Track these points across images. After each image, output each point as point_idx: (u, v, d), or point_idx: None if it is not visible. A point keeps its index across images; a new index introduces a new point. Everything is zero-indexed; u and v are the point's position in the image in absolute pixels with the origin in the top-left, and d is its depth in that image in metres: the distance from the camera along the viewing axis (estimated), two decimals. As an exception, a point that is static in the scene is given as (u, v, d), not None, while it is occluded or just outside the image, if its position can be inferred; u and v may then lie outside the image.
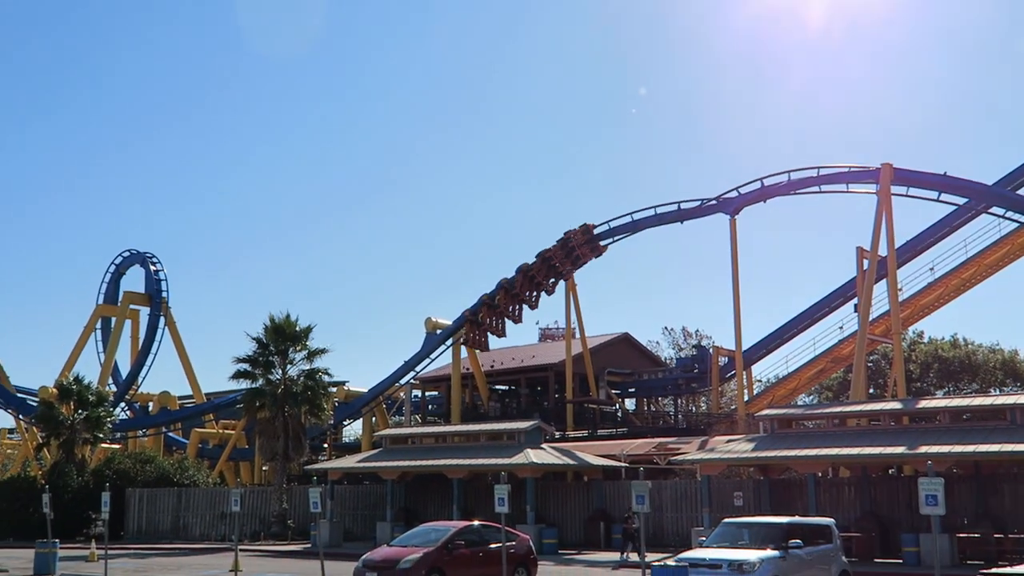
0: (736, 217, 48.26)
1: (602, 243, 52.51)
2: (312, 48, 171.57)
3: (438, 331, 56.44)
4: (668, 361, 66.58)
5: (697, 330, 74.98)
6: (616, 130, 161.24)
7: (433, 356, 56.51)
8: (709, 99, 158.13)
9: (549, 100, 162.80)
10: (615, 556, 31.16)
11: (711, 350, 54.14)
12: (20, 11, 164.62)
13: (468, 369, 58.06)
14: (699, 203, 50.28)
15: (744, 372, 49.90)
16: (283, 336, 42.50)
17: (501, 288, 53.36)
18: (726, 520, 21.13)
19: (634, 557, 28.30)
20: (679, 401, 60.69)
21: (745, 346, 49.51)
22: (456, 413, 56.25)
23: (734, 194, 48.77)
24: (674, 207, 51.20)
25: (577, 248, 52.28)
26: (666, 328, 76.58)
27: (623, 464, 38.53)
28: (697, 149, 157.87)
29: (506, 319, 54.17)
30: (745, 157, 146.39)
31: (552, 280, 53.49)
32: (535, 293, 53.67)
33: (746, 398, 49.51)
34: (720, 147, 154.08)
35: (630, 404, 62.37)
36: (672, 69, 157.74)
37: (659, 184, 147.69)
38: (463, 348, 56.93)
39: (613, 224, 52.85)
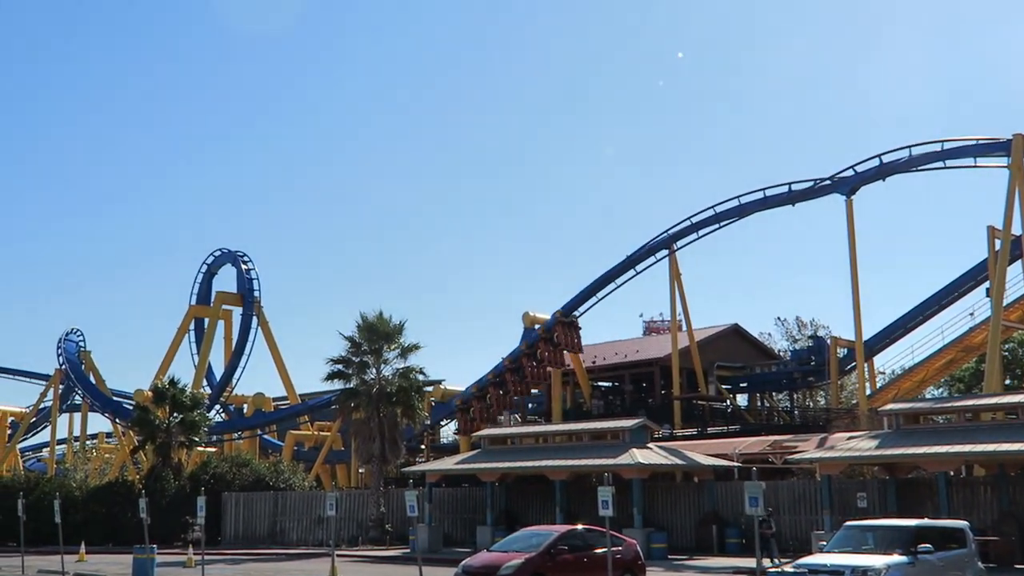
0: (852, 198, 47.14)
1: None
2: (418, 47, 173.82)
3: (536, 326, 56.52)
4: (782, 353, 65.43)
5: (813, 320, 73.44)
6: (717, 109, 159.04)
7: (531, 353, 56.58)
8: (818, 71, 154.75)
9: (646, 82, 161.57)
10: (729, 561, 30.74)
11: (829, 341, 53.02)
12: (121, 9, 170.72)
13: (568, 365, 58.02)
14: (812, 184, 49.21)
15: (865, 364, 48.74)
16: (376, 334, 43.03)
17: (489, 385, 55.11)
18: (848, 523, 20.59)
19: (771, 564, 27.55)
20: (795, 396, 59.58)
21: (866, 336, 48.35)
22: (557, 411, 56.26)
23: (850, 173, 47.59)
24: (784, 189, 50.24)
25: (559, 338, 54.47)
26: (779, 318, 75.17)
27: (735, 464, 38.00)
28: (807, 126, 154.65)
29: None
30: (861, 133, 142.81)
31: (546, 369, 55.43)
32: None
33: (868, 392, 48.34)
34: (833, 124, 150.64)
35: (742, 400, 61.51)
36: (775, 41, 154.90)
37: (767, 165, 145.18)
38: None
39: (719, 209, 52.16)
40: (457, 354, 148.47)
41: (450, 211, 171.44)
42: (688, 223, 53.54)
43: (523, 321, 57.34)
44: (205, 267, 75.10)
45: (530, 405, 65.23)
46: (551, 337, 55.17)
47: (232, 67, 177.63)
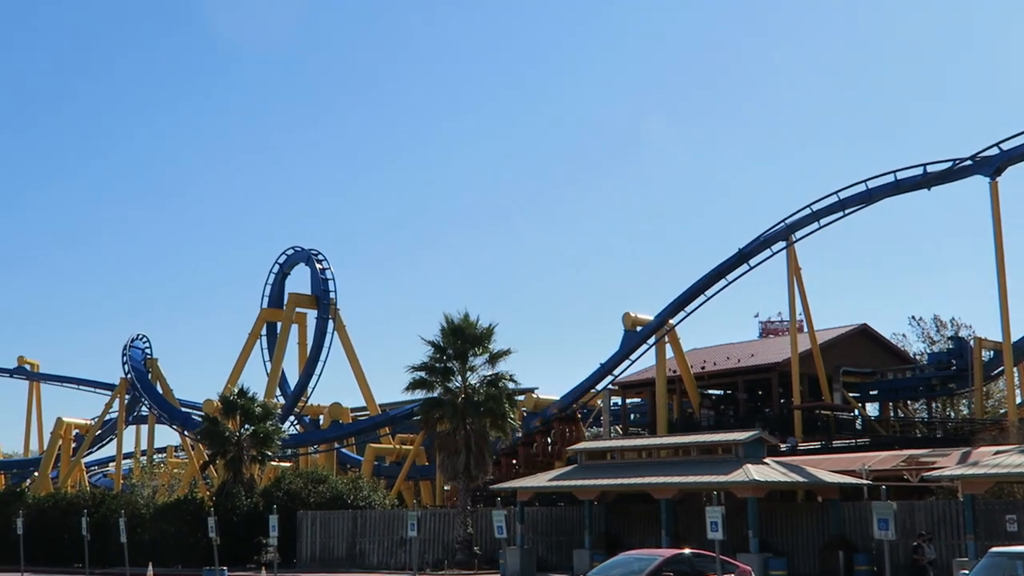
0: (998, 179, 45.88)
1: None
2: (507, 38, 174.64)
3: (638, 328, 56.25)
4: (917, 357, 63.95)
5: (953, 318, 71.53)
6: (839, 84, 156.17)
7: (633, 357, 56.40)
8: (954, 38, 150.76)
9: (758, 58, 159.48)
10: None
11: (972, 342, 51.67)
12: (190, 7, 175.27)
13: (675, 371, 57.62)
14: (950, 164, 48.00)
15: (1015, 368, 47.38)
16: (462, 338, 43.25)
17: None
18: (995, 549, 19.99)
19: None
20: (933, 405, 58.22)
21: (1015, 336, 46.98)
22: (662, 422, 55.90)
23: (994, 151, 46.29)
24: (918, 171, 49.09)
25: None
26: (913, 318, 73.41)
27: (864, 482, 37.25)
28: (944, 100, 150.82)
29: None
30: (1006, 106, 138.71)
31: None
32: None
33: (1019, 400, 46.99)
34: (974, 96, 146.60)
35: (871, 409, 60.34)
36: (904, 3, 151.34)
37: (898, 145, 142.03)
38: (669, 346, 56.56)
39: (844, 195, 51.25)
40: (551, 360, 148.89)
41: (541, 206, 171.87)
42: (808, 211, 52.66)
43: (623, 323, 57.12)
44: (277, 267, 76.50)
45: (632, 416, 64.94)
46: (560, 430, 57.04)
47: (304, 53, 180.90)
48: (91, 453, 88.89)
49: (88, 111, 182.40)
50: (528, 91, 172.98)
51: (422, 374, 43.66)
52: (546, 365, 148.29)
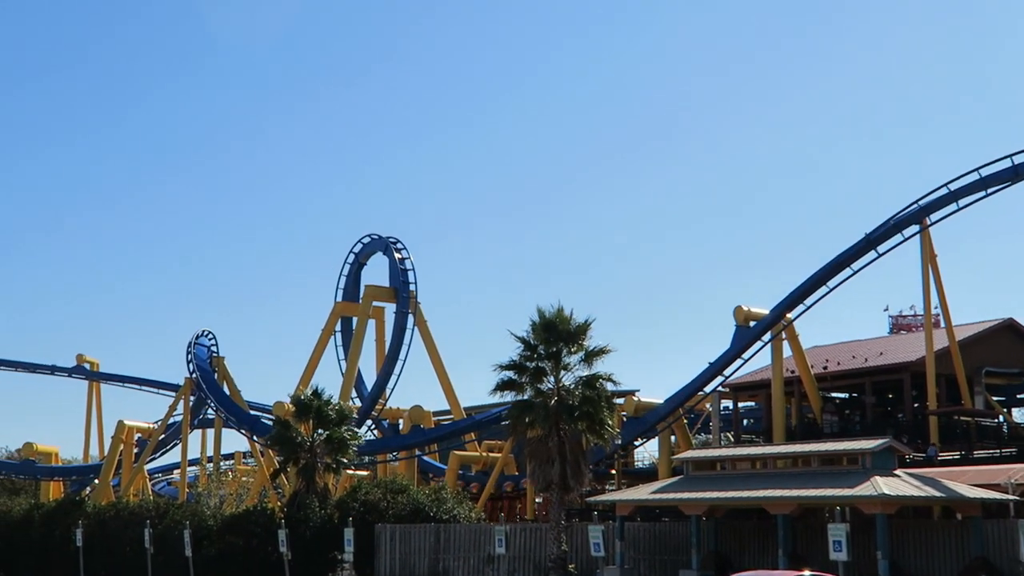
0: None
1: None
2: (609, 22, 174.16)
3: (752, 323, 55.65)
4: (1073, 356, 62.26)
5: (1114, 312, 69.53)
6: (979, 46, 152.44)
7: (746, 356, 55.82)
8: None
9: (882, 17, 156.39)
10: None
11: None
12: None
13: (794, 372, 56.92)
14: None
15: None
16: (555, 334, 43.09)
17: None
18: None
19: None
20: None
21: None
22: (779, 429, 55.26)
23: None
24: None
25: None
26: (1068, 311, 71.54)
27: (1011, 497, 36.38)
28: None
29: None
30: None
31: None
32: None
33: None
34: None
35: (1018, 415, 58.99)
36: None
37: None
38: (786, 344, 55.85)
39: (985, 172, 50.07)
40: (653, 359, 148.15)
41: (639, 189, 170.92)
42: (945, 191, 51.50)
43: (735, 317, 56.55)
44: (352, 257, 77.21)
45: (745, 421, 64.34)
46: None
47: (367, 33, 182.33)
48: (154, 459, 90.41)
49: (160, 102, 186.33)
50: (619, 67, 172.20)
51: (510, 374, 43.63)
52: (648, 365, 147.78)
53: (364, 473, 72.41)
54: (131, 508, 57.26)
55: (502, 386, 43.83)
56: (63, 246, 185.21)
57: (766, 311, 55.55)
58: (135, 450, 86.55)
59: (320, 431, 51.43)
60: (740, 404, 63.98)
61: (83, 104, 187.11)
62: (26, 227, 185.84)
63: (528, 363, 43.56)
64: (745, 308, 56.36)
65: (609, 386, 43.35)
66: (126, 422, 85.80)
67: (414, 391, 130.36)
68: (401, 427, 73.79)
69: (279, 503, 56.55)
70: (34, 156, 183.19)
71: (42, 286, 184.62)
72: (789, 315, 55.25)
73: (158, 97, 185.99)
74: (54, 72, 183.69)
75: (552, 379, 43.40)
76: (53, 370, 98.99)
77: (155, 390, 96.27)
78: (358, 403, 73.23)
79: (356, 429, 57.14)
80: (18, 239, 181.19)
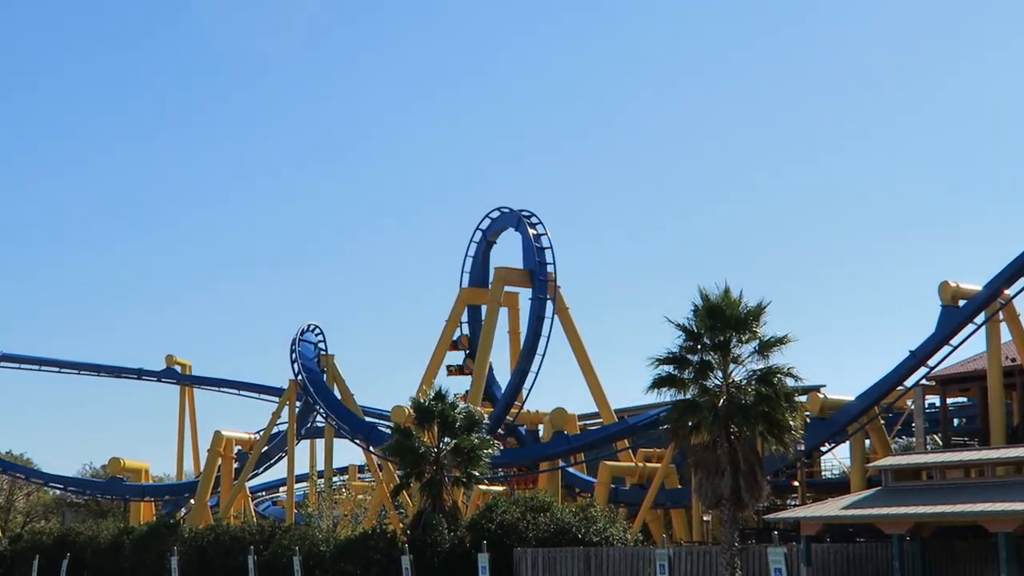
0: None
1: None
2: None
3: (961, 302, 54.54)
4: None
5: None
6: None
7: (955, 342, 54.70)
8: None
9: None
10: None
11: None
12: None
13: (1015, 359, 55.63)
14: None
15: None
16: (722, 321, 42.81)
17: None
18: None
19: None
20: None
21: None
22: (997, 429, 54.04)
23: None
24: None
25: None
26: None
27: None
28: None
29: None
30: None
31: None
32: None
33: None
34: None
35: None
36: None
37: None
38: (1005, 326, 54.60)
39: None
40: (839, 348, 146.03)
41: (815, 148, 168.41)
42: None
43: (940, 296, 55.47)
44: (479, 234, 77.61)
45: (955, 421, 63.06)
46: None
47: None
48: (256, 475, 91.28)
49: (263, 87, 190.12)
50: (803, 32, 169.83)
51: (670, 369, 43.50)
52: (835, 355, 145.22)
53: (499, 489, 72.82)
54: (232, 532, 58.60)
55: (660, 383, 43.72)
56: (146, 237, 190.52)
57: (979, 287, 54.36)
58: (235, 465, 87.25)
59: (447, 440, 51.94)
60: (949, 400, 62.63)
61: (178, 96, 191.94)
62: (105, 216, 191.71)
63: (691, 355, 43.37)
64: (953, 284, 55.24)
65: (789, 381, 42.97)
66: (224, 433, 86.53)
67: (555, 391, 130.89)
68: (541, 434, 73.90)
69: (401, 525, 57.30)
70: (122, 149, 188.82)
71: (125, 281, 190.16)
72: (1007, 291, 53.97)
73: (265, 83, 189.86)
74: (132, 75, 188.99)
75: (720, 374, 43.16)
76: (140, 374, 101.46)
77: (255, 395, 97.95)
78: (490, 406, 73.61)
79: (489, 437, 57.53)
80: (97, 231, 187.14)
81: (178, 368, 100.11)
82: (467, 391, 71.93)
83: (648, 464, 69.99)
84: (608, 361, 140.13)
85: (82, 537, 67.96)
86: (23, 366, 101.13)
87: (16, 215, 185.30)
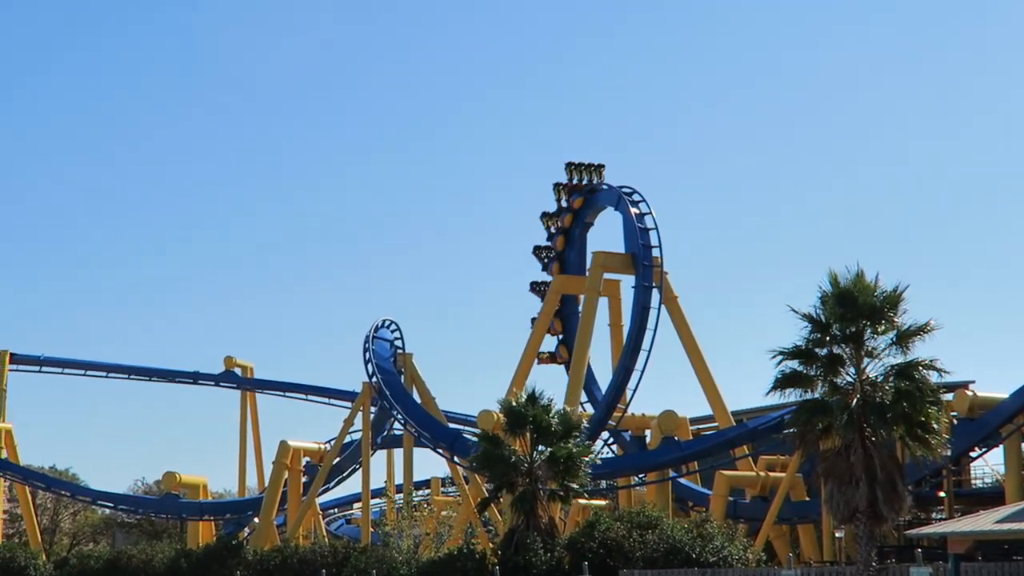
0: None
1: None
2: None
3: None
4: None
5: None
6: None
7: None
8: None
9: None
10: None
11: None
12: None
13: None
14: None
15: None
16: (854, 309, 42.35)
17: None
18: None
19: None
20: None
21: None
22: None
23: None
24: None
25: None
26: None
27: None
28: None
29: None
30: None
31: None
32: None
33: None
34: None
35: None
36: None
37: None
38: None
39: None
40: (992, 339, 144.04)
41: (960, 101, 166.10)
42: None
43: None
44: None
45: None
46: None
47: None
48: (328, 489, 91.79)
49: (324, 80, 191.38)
50: None
51: (794, 364, 43.15)
52: (984, 347, 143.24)
53: (602, 503, 72.68)
54: (301, 554, 58.95)
55: (784, 381, 43.37)
56: (200, 229, 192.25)
57: None
58: (303, 479, 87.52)
59: (541, 448, 51.81)
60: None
61: (238, 91, 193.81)
62: (154, 208, 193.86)
63: (818, 349, 42.98)
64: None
65: (933, 376, 42.43)
66: (290, 443, 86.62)
67: (664, 391, 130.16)
68: (648, 440, 73.58)
69: (491, 544, 57.32)
70: (177, 141, 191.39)
71: (179, 277, 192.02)
72: None
73: (328, 76, 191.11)
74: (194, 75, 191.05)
75: (852, 369, 42.73)
76: (196, 378, 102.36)
77: (325, 400, 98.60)
78: (590, 409, 73.46)
79: (589, 444, 57.34)
80: (146, 223, 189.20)
81: (239, 371, 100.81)
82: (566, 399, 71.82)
83: (771, 473, 69.54)
84: (723, 357, 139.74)
85: (134, 561, 68.45)
86: (66, 371, 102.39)
87: (59, 209, 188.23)
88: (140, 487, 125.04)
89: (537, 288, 79.64)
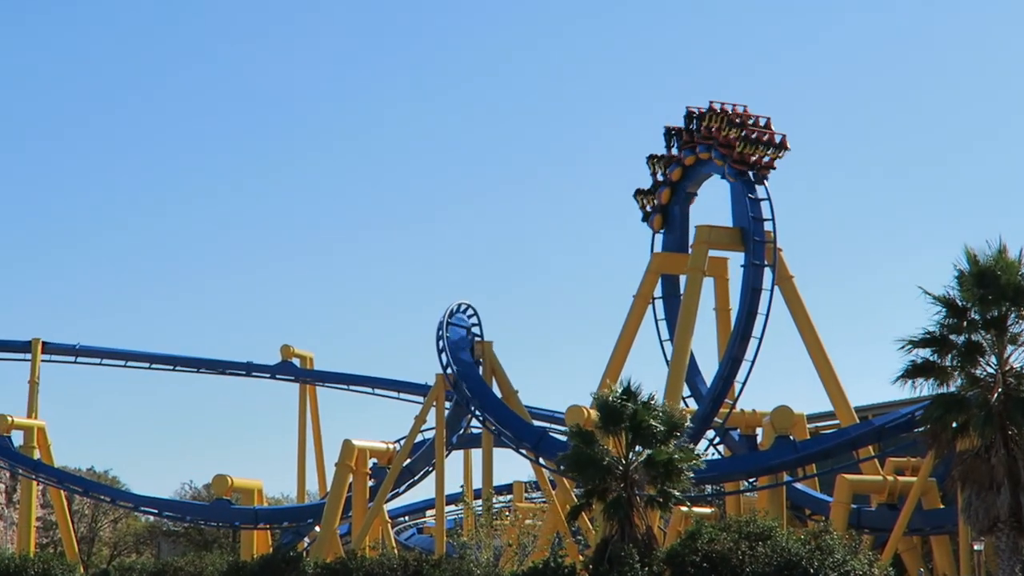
0: None
1: None
2: None
3: None
4: None
5: None
6: None
7: None
8: None
9: None
10: None
11: None
12: None
13: None
14: None
15: None
16: (995, 289, 42.13)
17: None
18: None
19: None
20: None
21: None
22: None
23: None
24: None
25: None
26: None
27: None
28: None
29: None
30: None
31: None
32: None
33: None
34: None
35: None
36: None
37: None
38: None
39: None
40: None
41: None
42: None
43: None
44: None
45: None
46: None
47: None
48: (397, 494, 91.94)
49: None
50: None
51: (926, 353, 43.01)
52: None
53: (706, 511, 72.54)
54: (368, 566, 59.16)
55: (914, 372, 43.21)
56: (252, 207, 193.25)
57: None
58: (369, 483, 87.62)
59: (638, 448, 51.81)
60: None
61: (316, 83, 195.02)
62: (204, 185, 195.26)
63: (954, 336, 42.79)
64: None
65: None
66: (355, 442, 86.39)
67: (777, 385, 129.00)
68: (760, 439, 73.42)
69: (581, 557, 57.44)
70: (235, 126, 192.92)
71: (230, 260, 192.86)
72: None
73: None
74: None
75: (994, 359, 42.51)
76: (250, 370, 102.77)
77: (394, 394, 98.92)
78: (694, 405, 73.30)
79: (692, 444, 57.27)
80: (193, 199, 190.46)
81: (297, 362, 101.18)
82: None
83: (900, 478, 69.19)
84: (845, 345, 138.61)
85: (181, 574, 69.07)
86: (105, 361, 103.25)
87: (102, 188, 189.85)
88: (188, 492, 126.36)
89: (643, 198, 77.68)
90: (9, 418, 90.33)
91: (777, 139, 72.73)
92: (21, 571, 73.87)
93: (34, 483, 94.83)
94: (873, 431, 67.86)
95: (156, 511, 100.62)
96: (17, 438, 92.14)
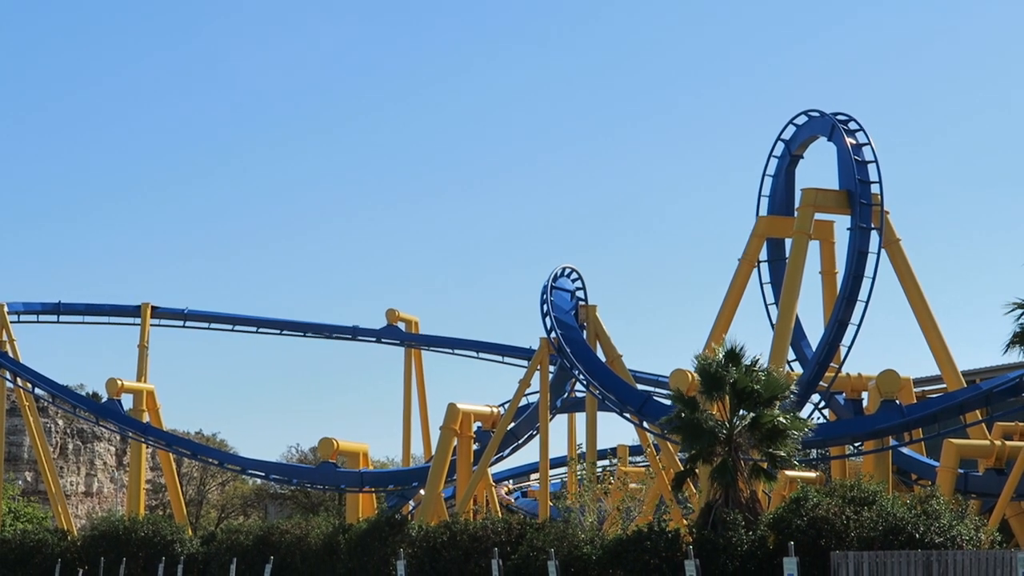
0: None
1: None
2: None
3: None
4: None
5: None
6: None
7: None
8: None
9: None
10: None
11: None
12: None
13: None
14: None
15: None
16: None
17: None
18: None
19: None
20: None
21: None
22: None
23: None
24: None
25: None
26: None
27: None
28: None
29: None
30: None
31: None
32: None
33: None
34: None
35: None
36: None
37: None
38: None
39: None
40: None
41: None
42: None
43: None
44: (780, 146, 76.64)
45: None
46: None
47: None
48: (501, 458, 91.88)
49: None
50: None
51: (1035, 318, 42.62)
52: None
53: (812, 475, 72.32)
54: (472, 530, 59.42)
55: (1022, 336, 42.84)
56: (357, 166, 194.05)
57: None
58: (474, 446, 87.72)
59: (743, 412, 51.67)
60: None
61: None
62: (306, 150, 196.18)
63: (1064, 299, 42.39)
64: None
65: None
66: (460, 406, 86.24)
67: (884, 348, 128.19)
68: (866, 404, 73.02)
69: (685, 522, 57.42)
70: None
71: (333, 222, 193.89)
72: None
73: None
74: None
75: (1103, 322, 42.07)
76: (355, 334, 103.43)
77: (498, 358, 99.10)
78: (799, 369, 73.02)
79: (797, 409, 57.05)
80: (297, 166, 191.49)
81: (402, 326, 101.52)
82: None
83: (1008, 443, 68.69)
84: (952, 308, 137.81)
85: (288, 537, 69.35)
86: (213, 325, 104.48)
87: (208, 152, 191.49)
88: (294, 455, 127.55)
89: None
90: (119, 381, 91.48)
91: None
92: (131, 533, 75.19)
93: (143, 446, 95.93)
94: (981, 395, 67.32)
95: (263, 474, 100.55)
96: (127, 401, 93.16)
